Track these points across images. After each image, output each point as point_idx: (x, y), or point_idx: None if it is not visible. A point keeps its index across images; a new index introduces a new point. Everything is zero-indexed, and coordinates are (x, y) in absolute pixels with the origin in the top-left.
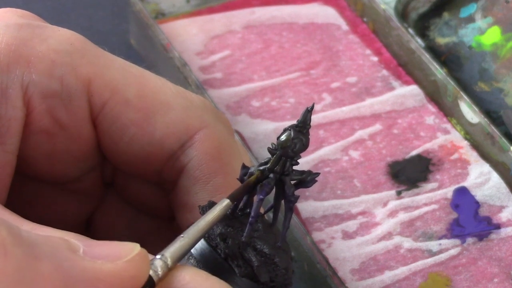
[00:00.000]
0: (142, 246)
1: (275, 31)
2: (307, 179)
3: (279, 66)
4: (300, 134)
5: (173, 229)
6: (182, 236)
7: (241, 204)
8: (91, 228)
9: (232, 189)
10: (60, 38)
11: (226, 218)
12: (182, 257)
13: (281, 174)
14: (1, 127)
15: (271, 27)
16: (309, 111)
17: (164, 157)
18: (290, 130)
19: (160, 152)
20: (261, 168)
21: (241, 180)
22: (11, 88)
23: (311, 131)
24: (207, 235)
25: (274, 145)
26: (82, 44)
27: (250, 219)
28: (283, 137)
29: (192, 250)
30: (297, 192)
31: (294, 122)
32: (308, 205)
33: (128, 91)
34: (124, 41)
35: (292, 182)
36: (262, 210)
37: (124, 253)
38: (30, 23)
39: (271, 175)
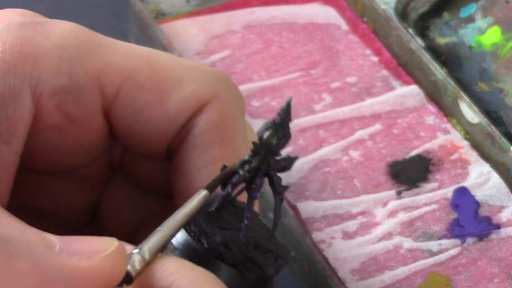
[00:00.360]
0: (148, 227)
1: (275, 31)
2: (288, 165)
3: (279, 66)
4: (283, 130)
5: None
6: (160, 229)
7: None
8: (97, 214)
9: (228, 162)
10: (63, 32)
11: (210, 216)
12: (161, 250)
13: (267, 170)
14: (9, 127)
15: (271, 27)
16: (289, 106)
17: (176, 129)
18: (272, 128)
19: (174, 128)
20: (246, 168)
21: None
22: (19, 88)
23: (311, 131)
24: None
25: (256, 144)
26: (86, 35)
27: (245, 220)
28: (266, 136)
29: (176, 244)
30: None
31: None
32: (308, 205)
33: (139, 74)
34: (124, 41)
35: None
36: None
37: (101, 249)
38: (31, 20)
39: (257, 173)
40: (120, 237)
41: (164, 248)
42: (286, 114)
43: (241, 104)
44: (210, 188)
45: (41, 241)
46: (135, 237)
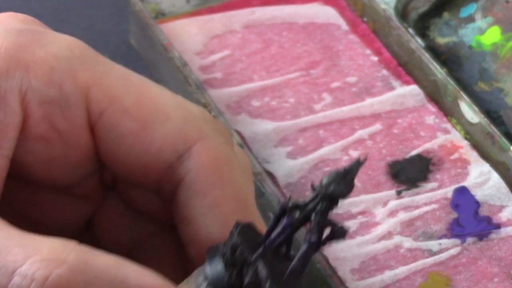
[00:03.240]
0: (144, 248)
1: (275, 31)
2: (335, 230)
3: (279, 66)
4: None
5: (175, 234)
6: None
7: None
8: (91, 229)
9: (231, 202)
10: (60, 43)
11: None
12: None
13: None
14: None
15: (271, 27)
16: (359, 165)
17: (161, 167)
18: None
19: (157, 163)
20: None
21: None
22: (9, 93)
23: (311, 131)
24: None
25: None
26: (82, 51)
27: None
28: (329, 183)
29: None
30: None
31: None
32: None
33: (127, 99)
34: (124, 41)
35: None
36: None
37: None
38: (31, 28)
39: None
40: (117, 251)
41: None
42: (355, 172)
43: (229, 140)
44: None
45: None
46: (131, 256)
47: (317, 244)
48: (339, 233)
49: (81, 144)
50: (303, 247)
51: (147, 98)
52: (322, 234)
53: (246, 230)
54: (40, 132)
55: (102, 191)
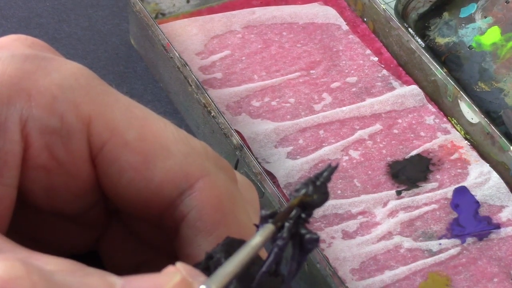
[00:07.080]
0: (150, 269)
1: (275, 31)
2: (305, 238)
3: (279, 66)
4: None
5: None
6: (226, 265)
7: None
8: (97, 248)
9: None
10: (66, 72)
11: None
12: (227, 287)
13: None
14: None
15: (271, 27)
16: (332, 172)
17: (162, 204)
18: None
19: (158, 198)
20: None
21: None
22: (10, 121)
23: (311, 131)
24: None
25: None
26: (87, 80)
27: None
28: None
29: None
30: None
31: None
32: None
33: (129, 133)
34: (124, 41)
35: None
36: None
37: (164, 283)
38: (37, 54)
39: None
40: (122, 274)
41: (230, 284)
42: (327, 179)
43: (232, 179)
44: (277, 222)
45: (105, 285)
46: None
47: (284, 248)
48: (309, 241)
49: (82, 175)
50: (273, 251)
51: (149, 132)
52: (289, 238)
53: (236, 245)
54: (40, 162)
55: (106, 218)
